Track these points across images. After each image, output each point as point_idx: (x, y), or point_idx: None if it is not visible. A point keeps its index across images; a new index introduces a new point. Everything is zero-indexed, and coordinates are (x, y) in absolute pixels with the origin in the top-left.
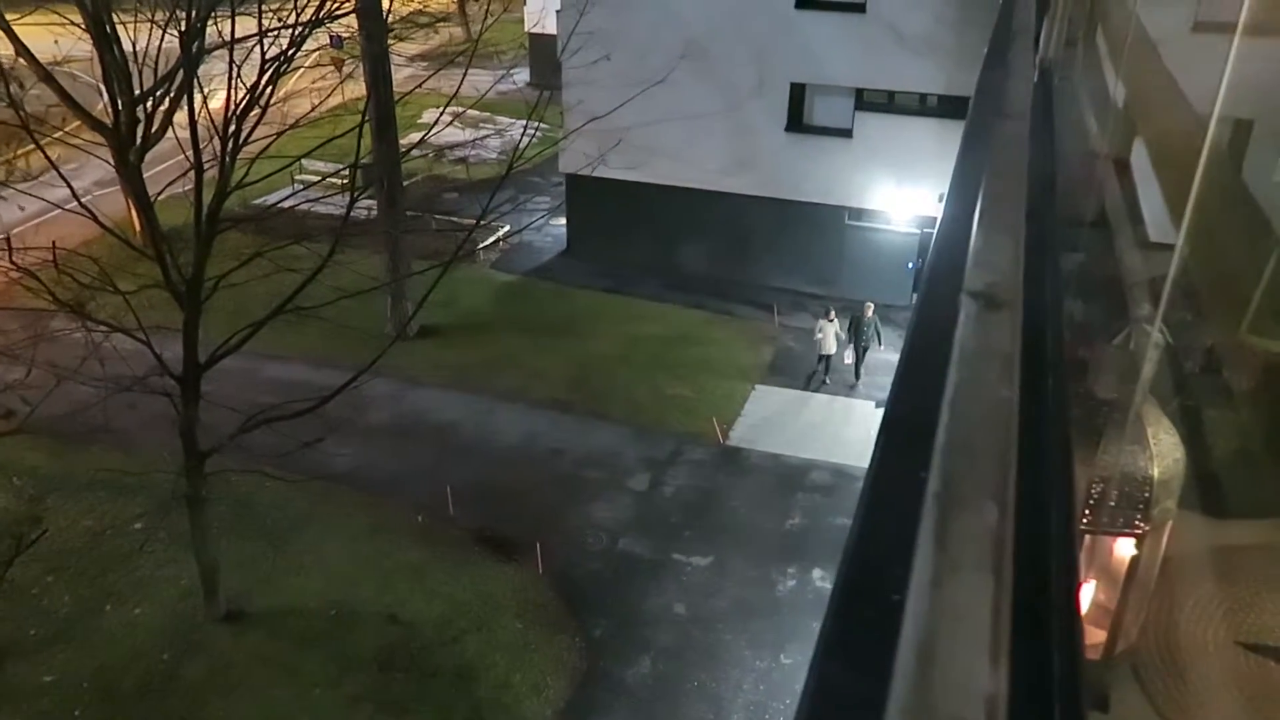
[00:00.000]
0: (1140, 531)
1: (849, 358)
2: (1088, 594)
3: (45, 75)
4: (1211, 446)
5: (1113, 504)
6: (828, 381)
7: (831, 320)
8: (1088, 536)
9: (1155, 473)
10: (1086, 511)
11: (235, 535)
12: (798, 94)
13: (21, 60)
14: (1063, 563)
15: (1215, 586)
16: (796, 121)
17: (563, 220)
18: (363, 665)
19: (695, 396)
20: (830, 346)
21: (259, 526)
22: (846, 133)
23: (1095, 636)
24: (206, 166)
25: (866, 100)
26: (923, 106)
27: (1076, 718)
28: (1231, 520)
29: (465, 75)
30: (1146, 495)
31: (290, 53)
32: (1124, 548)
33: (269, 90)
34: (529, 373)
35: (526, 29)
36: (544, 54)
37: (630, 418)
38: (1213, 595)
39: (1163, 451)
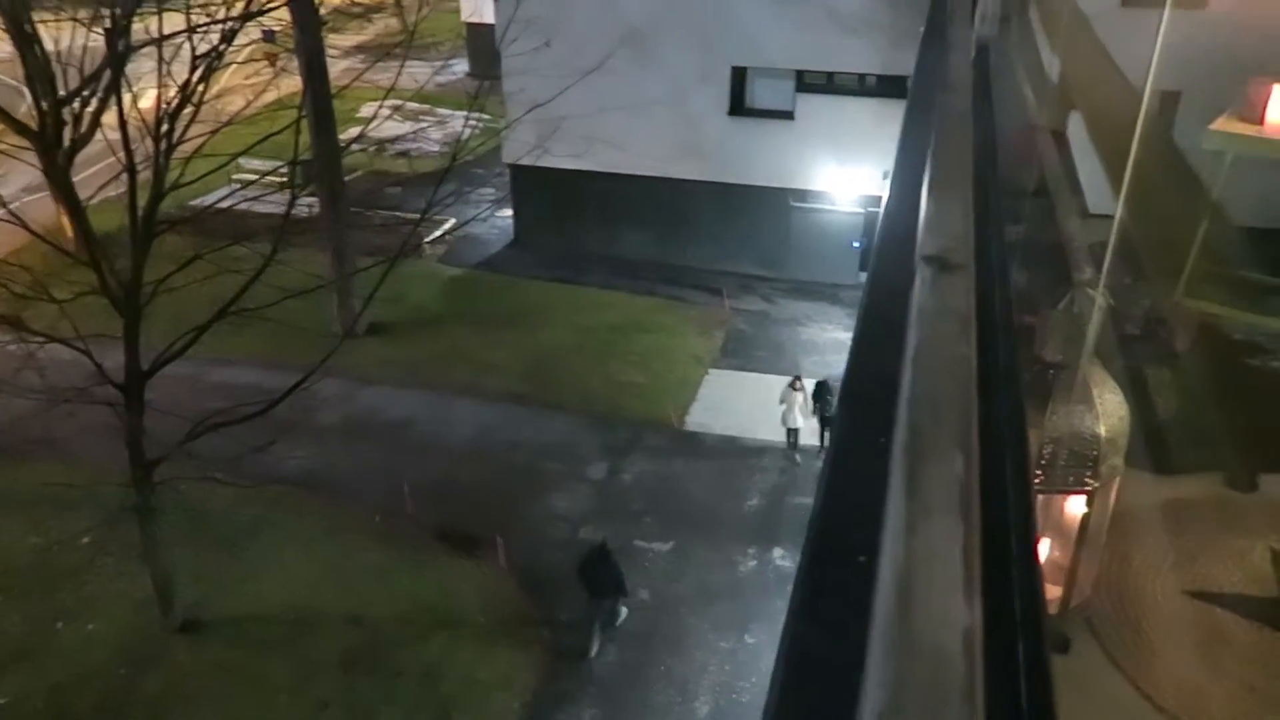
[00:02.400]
0: (1090, 489)
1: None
2: (1043, 551)
3: None
4: (1154, 405)
5: (1062, 463)
6: (799, 461)
7: (798, 390)
8: (1041, 495)
9: (1102, 431)
10: (1039, 472)
11: (188, 544)
12: (739, 78)
13: None
14: (1022, 517)
15: (1162, 539)
16: (739, 105)
17: (509, 211)
18: (327, 669)
19: (649, 383)
20: (797, 419)
21: (213, 534)
22: (788, 115)
23: (1052, 592)
24: (140, 168)
25: (807, 82)
26: (862, 86)
27: (1039, 656)
28: (1175, 476)
29: (402, 67)
30: (1094, 454)
31: (221, 48)
32: (1075, 505)
33: (201, 88)
34: (481, 366)
35: (464, 18)
36: (482, 44)
37: (586, 407)
38: (1160, 547)
39: (1108, 411)
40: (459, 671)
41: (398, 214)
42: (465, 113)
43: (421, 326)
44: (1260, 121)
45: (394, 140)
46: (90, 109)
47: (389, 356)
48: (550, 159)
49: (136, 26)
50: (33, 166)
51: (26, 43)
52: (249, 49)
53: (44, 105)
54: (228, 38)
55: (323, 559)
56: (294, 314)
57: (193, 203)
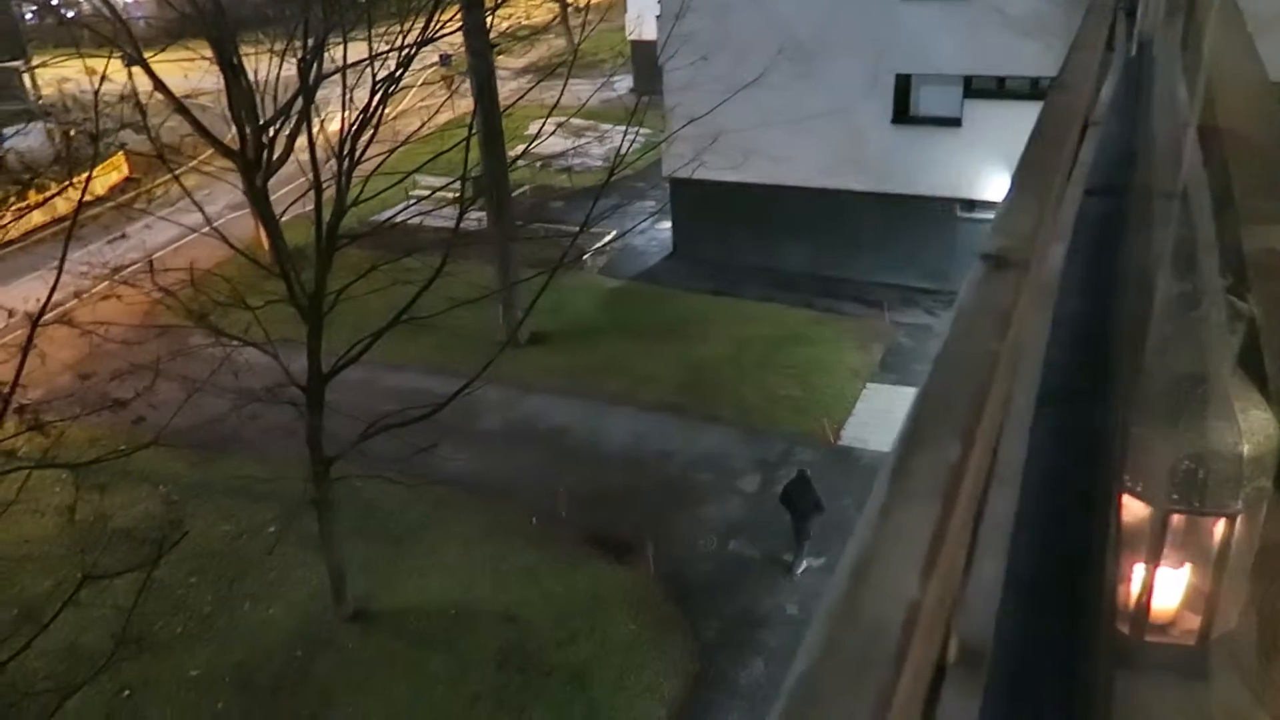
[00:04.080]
0: (1231, 512)
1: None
2: (1181, 578)
3: (180, 107)
4: None
5: (1198, 483)
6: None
7: None
8: (1175, 517)
9: (1245, 450)
10: (1174, 494)
11: (360, 538)
12: (903, 85)
13: (157, 95)
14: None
15: None
16: (903, 114)
17: (668, 224)
18: (482, 664)
19: (805, 396)
20: None
21: (381, 530)
22: (955, 122)
23: (1190, 620)
24: (325, 186)
25: (975, 88)
26: (1034, 91)
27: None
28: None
29: (566, 85)
30: (1236, 474)
31: (399, 73)
32: (1216, 528)
33: (381, 110)
34: (637, 376)
35: (627, 36)
36: (645, 60)
37: (740, 419)
38: None
39: (1253, 428)
40: (607, 675)
41: (560, 227)
42: (626, 128)
43: (581, 336)
44: None
45: (558, 156)
46: (284, 133)
47: (549, 365)
48: (709, 171)
49: (325, 56)
50: (235, 187)
51: (233, 74)
52: (425, 73)
53: (247, 130)
54: (405, 63)
55: (480, 558)
56: (461, 323)
57: (373, 218)
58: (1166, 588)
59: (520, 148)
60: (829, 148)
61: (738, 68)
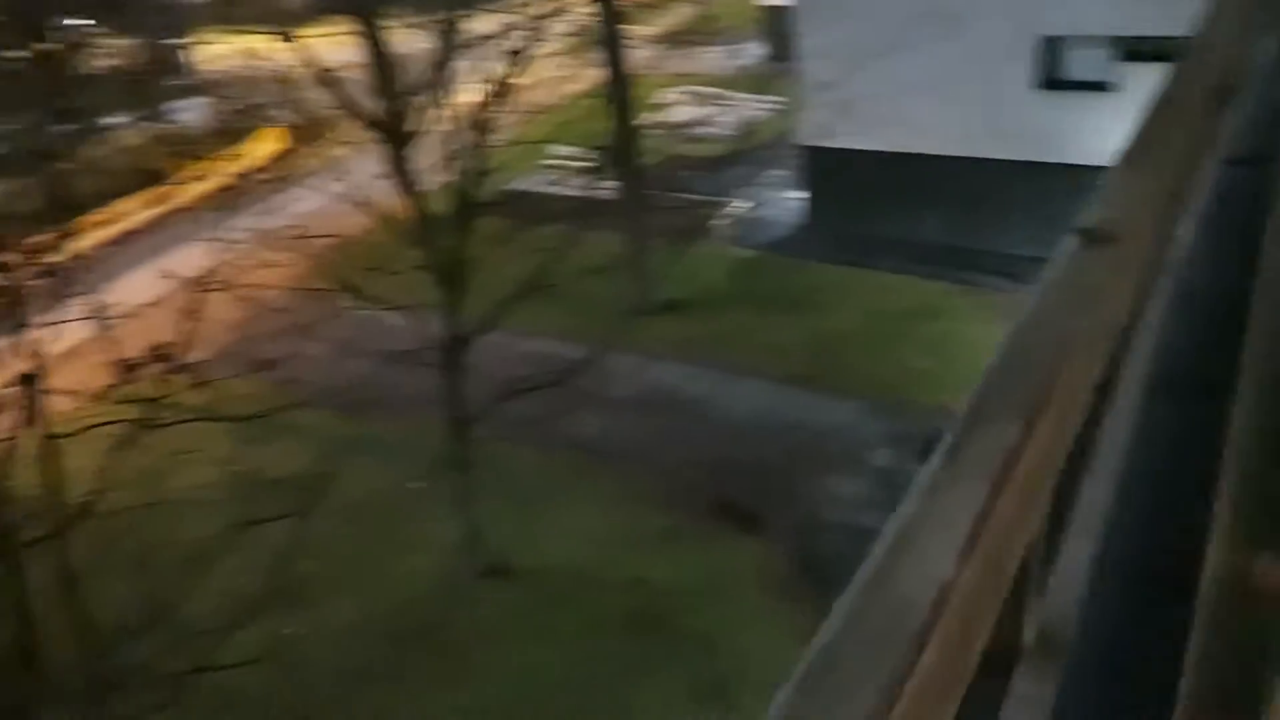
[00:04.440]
0: None
1: None
2: None
3: (330, 81)
4: None
5: None
6: None
7: None
8: None
9: None
10: None
11: (495, 498)
12: (1051, 48)
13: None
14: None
15: None
16: (1051, 78)
17: (799, 193)
18: (610, 625)
19: (941, 371)
20: None
21: (515, 491)
22: (1108, 86)
23: None
24: (460, 156)
25: (1129, 50)
26: None
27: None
28: None
29: (697, 53)
30: None
31: (532, 45)
32: None
33: (513, 81)
34: (767, 347)
35: (760, 1)
36: (777, 27)
37: (872, 393)
38: None
39: None
40: (734, 644)
41: (690, 196)
42: (759, 96)
43: (710, 306)
44: None
45: (688, 125)
46: (424, 104)
47: (678, 334)
48: (842, 139)
49: (462, 28)
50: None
51: (378, 49)
52: (556, 44)
53: (390, 103)
54: (538, 35)
55: (611, 522)
56: (592, 291)
57: (507, 188)
58: None
59: (652, 117)
60: (972, 115)
61: (873, 32)
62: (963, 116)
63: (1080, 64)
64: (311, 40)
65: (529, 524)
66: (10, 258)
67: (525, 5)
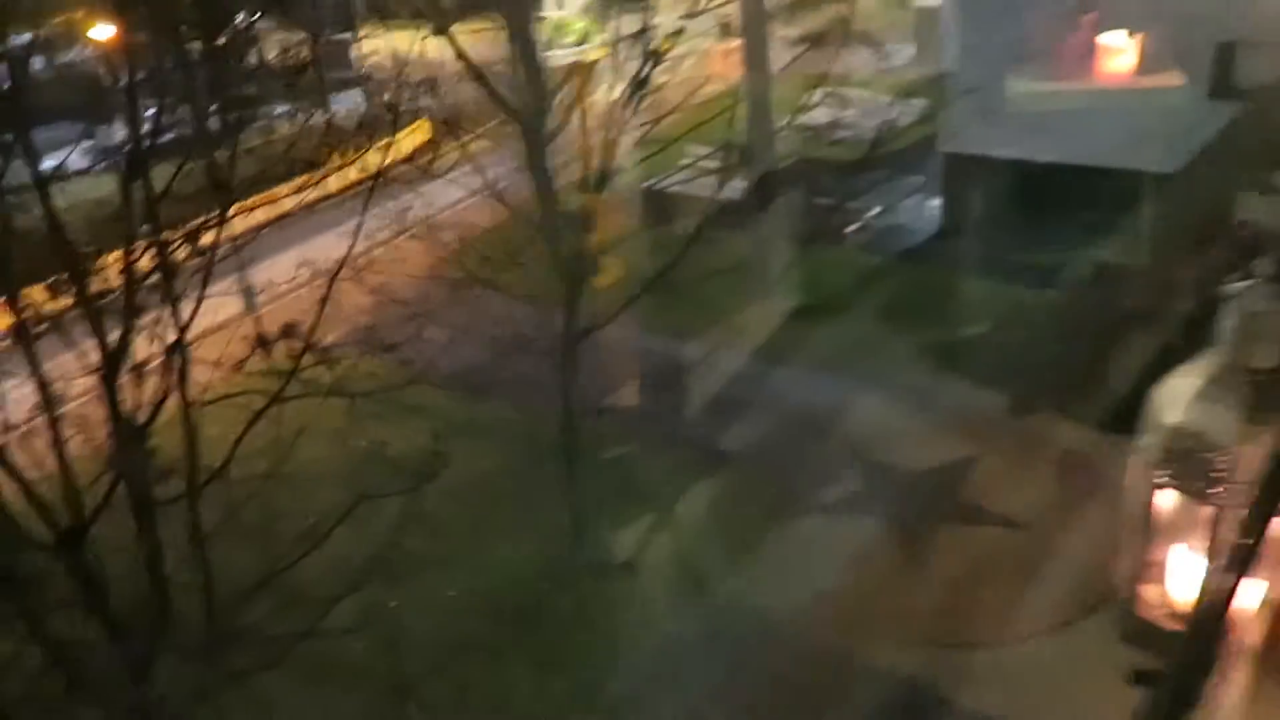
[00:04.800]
0: None
1: None
2: None
3: (478, 75)
4: None
5: None
6: None
7: None
8: None
9: None
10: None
11: (604, 490)
12: (1225, 55)
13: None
14: None
15: None
16: (1224, 86)
17: (940, 201)
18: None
19: None
20: None
21: (625, 485)
22: None
23: None
24: (597, 153)
25: None
26: None
27: None
28: None
29: (845, 54)
30: None
31: (674, 43)
32: None
33: (653, 80)
34: (895, 358)
35: (910, 4)
36: (928, 29)
37: None
38: None
39: None
40: None
41: (826, 200)
42: (902, 99)
43: (839, 312)
44: None
45: (829, 127)
46: (565, 100)
47: (803, 339)
48: (988, 147)
49: None
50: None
51: (523, 45)
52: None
53: (532, 99)
54: (680, 33)
55: (719, 524)
56: (719, 292)
57: (643, 185)
58: None
59: (790, 118)
60: (1131, 124)
61: (1027, 35)
62: (1121, 125)
63: (1256, 70)
64: (461, 36)
65: (637, 519)
66: (169, 236)
67: (669, 4)
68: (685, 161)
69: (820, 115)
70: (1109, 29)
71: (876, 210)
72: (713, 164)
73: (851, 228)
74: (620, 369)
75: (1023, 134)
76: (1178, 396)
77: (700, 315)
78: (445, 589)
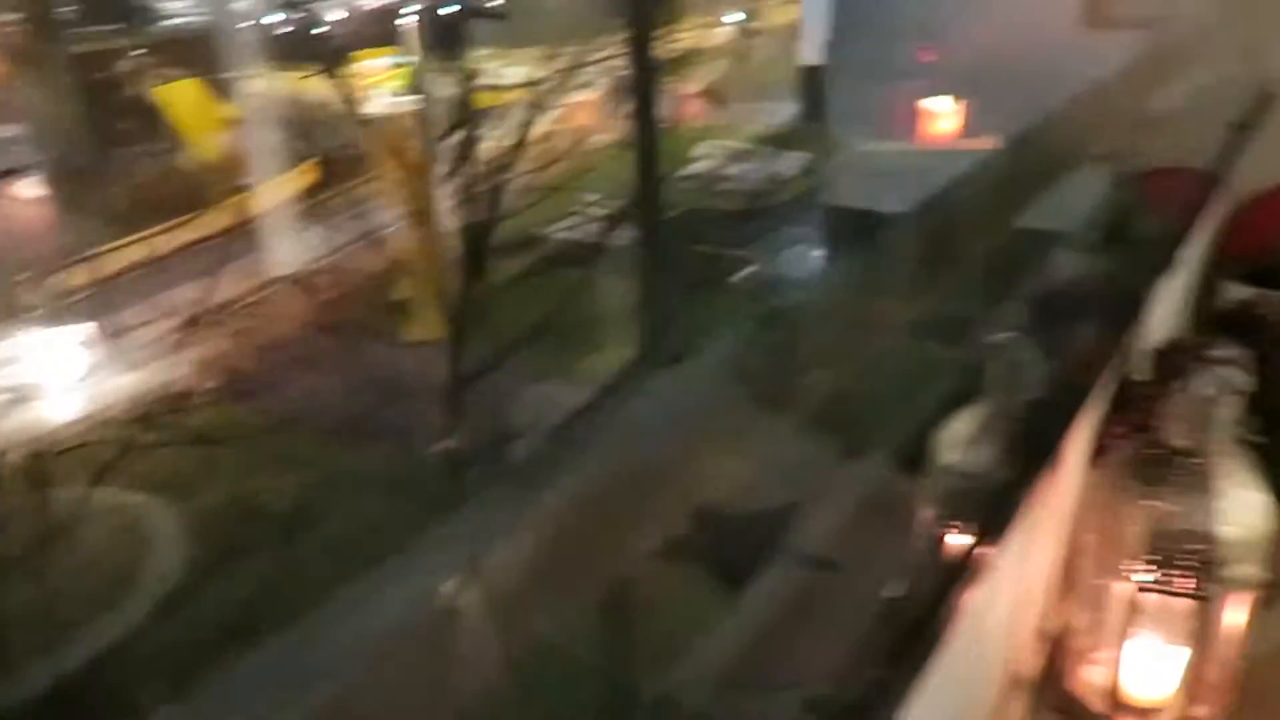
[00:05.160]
0: (1203, 595)
1: None
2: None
3: (366, 119)
4: None
5: (1171, 563)
6: None
7: None
8: (1149, 596)
9: (1224, 533)
10: (1151, 568)
11: (484, 536)
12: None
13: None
14: None
15: None
16: None
17: (822, 251)
18: None
19: None
20: None
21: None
22: None
23: (1174, 706)
24: (485, 199)
25: None
26: None
27: None
28: None
29: (734, 109)
30: (1209, 557)
31: (563, 93)
32: (1195, 611)
33: (542, 128)
34: (746, 404)
35: (797, 60)
36: (813, 86)
37: None
38: None
39: (1239, 510)
40: None
41: (712, 249)
42: (788, 153)
43: (717, 358)
44: None
45: (717, 178)
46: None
47: (685, 384)
48: (855, 199)
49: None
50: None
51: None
52: (584, 93)
53: (423, 143)
54: (564, 88)
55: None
56: (605, 338)
57: (530, 231)
58: (1139, 668)
59: (682, 169)
60: (948, 179)
61: (880, 98)
62: (940, 180)
63: None
64: (354, 79)
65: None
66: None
67: (557, 55)
68: (575, 209)
69: (710, 166)
70: (938, 95)
71: (761, 260)
72: (601, 211)
73: (736, 276)
74: (503, 414)
75: (876, 187)
76: (956, 439)
77: (588, 362)
78: (315, 640)
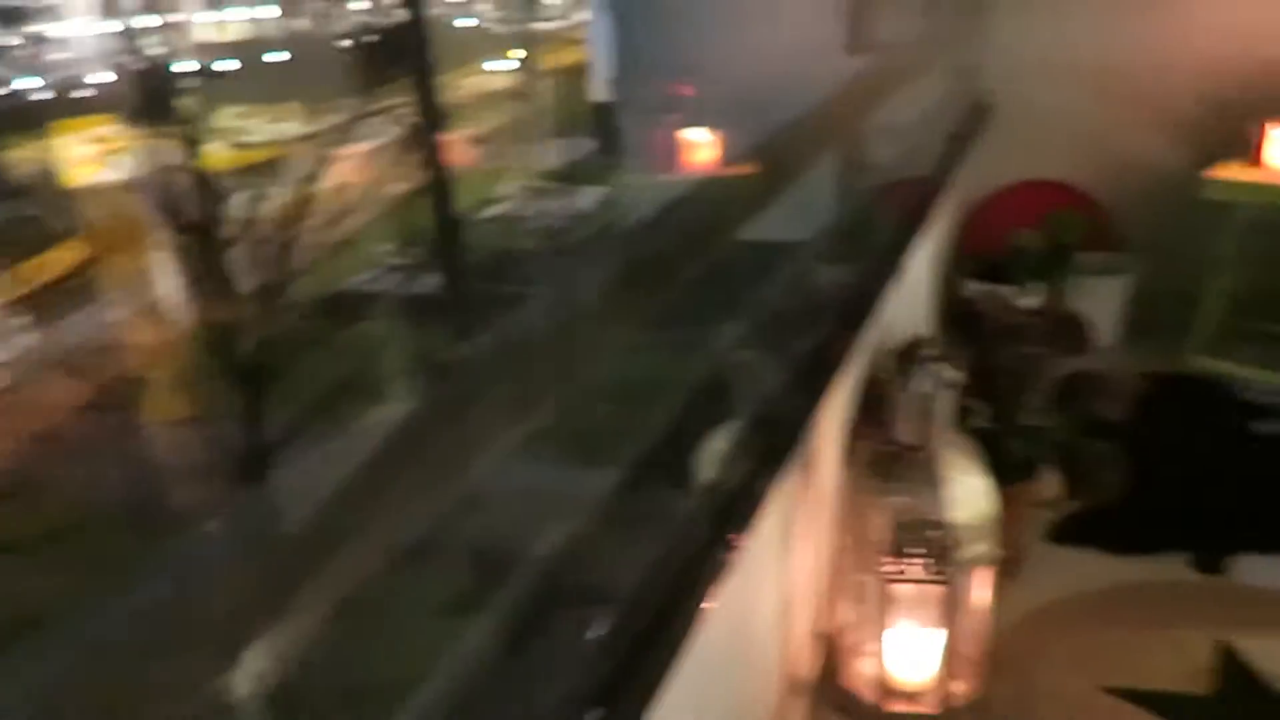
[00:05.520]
0: (944, 578)
1: None
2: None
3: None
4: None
5: (912, 551)
6: None
7: None
8: (895, 586)
9: (954, 517)
10: (891, 560)
11: None
12: None
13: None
14: None
15: (1093, 629)
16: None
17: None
18: None
19: None
20: None
21: None
22: None
23: (926, 690)
24: (273, 259)
25: None
26: None
27: None
28: (1129, 557)
29: (528, 148)
30: (944, 541)
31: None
32: (941, 594)
33: (328, 183)
34: (542, 445)
35: (590, 99)
36: (606, 122)
37: None
38: (1088, 638)
39: (965, 495)
40: None
41: (516, 289)
42: (586, 188)
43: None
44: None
45: (517, 218)
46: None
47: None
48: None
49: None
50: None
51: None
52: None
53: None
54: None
55: None
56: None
57: (326, 289)
58: (902, 654)
59: (484, 210)
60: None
61: (647, 131)
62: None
63: None
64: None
65: None
66: None
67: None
68: (371, 261)
69: (508, 207)
70: (693, 127)
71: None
72: (401, 261)
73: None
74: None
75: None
76: (714, 455)
77: (368, 416)
78: None
